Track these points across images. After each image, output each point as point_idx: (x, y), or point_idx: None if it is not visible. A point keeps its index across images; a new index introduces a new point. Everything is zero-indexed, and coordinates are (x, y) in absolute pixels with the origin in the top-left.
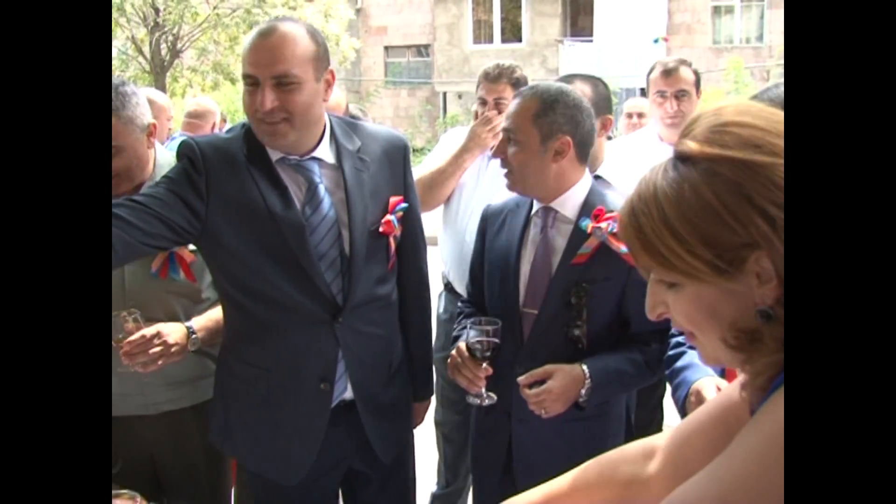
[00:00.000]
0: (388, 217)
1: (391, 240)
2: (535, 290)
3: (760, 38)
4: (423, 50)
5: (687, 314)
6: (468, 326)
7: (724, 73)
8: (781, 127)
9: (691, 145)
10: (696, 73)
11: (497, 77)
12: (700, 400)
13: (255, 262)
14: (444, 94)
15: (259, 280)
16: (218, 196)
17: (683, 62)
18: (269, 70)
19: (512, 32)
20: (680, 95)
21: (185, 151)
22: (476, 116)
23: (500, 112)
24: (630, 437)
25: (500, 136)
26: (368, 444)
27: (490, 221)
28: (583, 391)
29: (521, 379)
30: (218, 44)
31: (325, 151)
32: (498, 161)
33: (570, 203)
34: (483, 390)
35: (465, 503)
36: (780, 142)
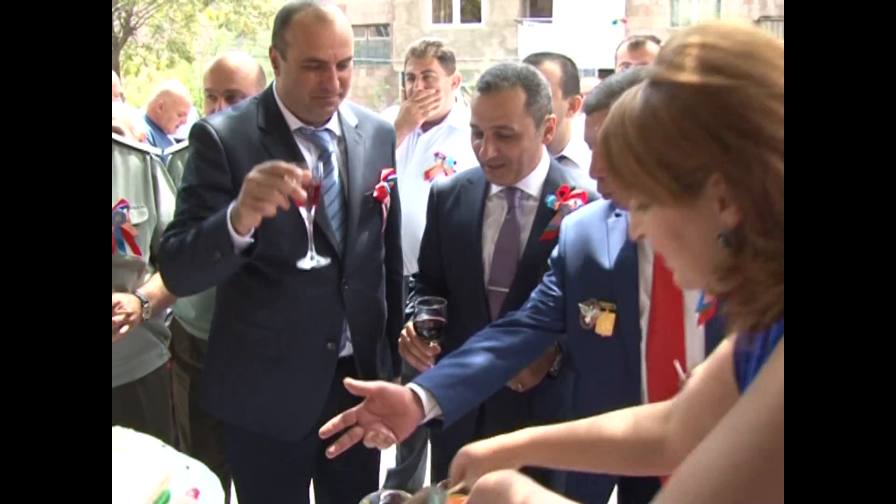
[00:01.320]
0: (382, 184)
1: (383, 206)
2: (503, 268)
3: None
4: (382, 29)
5: (656, 236)
6: (415, 306)
7: None
8: (754, 48)
9: (654, 68)
10: None
11: (423, 51)
12: None
13: (272, 227)
14: (403, 73)
15: (275, 245)
16: (236, 167)
17: (652, 38)
18: (340, 51)
19: (471, 12)
20: None
21: (198, 135)
22: (406, 96)
23: (427, 86)
24: None
25: (429, 112)
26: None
27: (442, 199)
28: (555, 363)
29: None
30: (174, 21)
31: (334, 124)
32: (427, 137)
33: (534, 181)
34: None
35: (422, 479)
36: (747, 63)
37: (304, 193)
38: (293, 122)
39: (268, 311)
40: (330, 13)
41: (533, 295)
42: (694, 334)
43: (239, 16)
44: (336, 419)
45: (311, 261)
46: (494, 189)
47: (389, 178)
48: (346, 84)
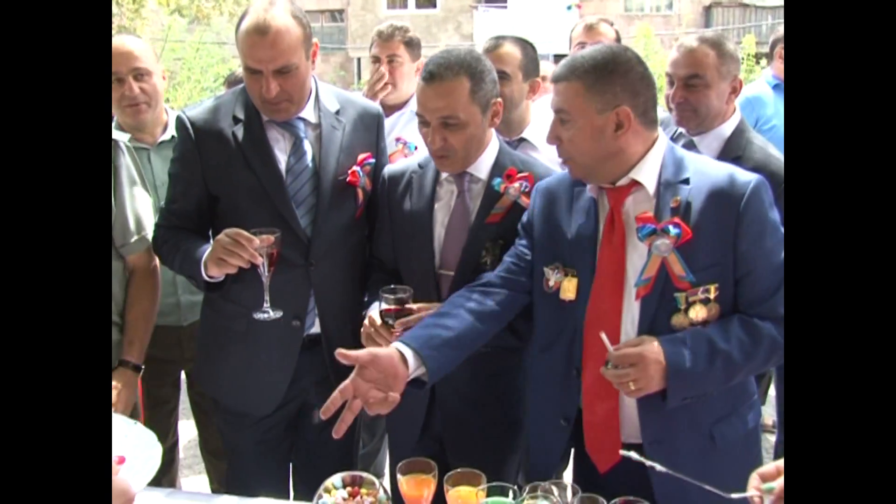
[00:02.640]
0: (354, 168)
1: (359, 190)
2: (452, 251)
3: (670, 6)
4: (336, 15)
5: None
6: (380, 295)
7: (634, 40)
8: None
9: None
10: (618, 33)
11: (390, 35)
12: None
13: (240, 208)
14: (359, 59)
15: (244, 225)
16: (207, 158)
17: (605, 20)
18: (272, 64)
19: None
20: None
21: (176, 126)
22: (374, 77)
23: (392, 70)
24: None
25: (378, 96)
26: (327, 379)
27: (392, 184)
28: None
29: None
30: (120, 5)
31: (309, 112)
32: (389, 122)
33: (482, 165)
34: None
35: (383, 464)
36: None
37: (260, 259)
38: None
39: (239, 287)
40: (269, 22)
41: (506, 257)
42: (631, 308)
43: (192, 1)
44: (333, 395)
45: (263, 314)
46: (444, 174)
47: (366, 162)
48: (291, 90)
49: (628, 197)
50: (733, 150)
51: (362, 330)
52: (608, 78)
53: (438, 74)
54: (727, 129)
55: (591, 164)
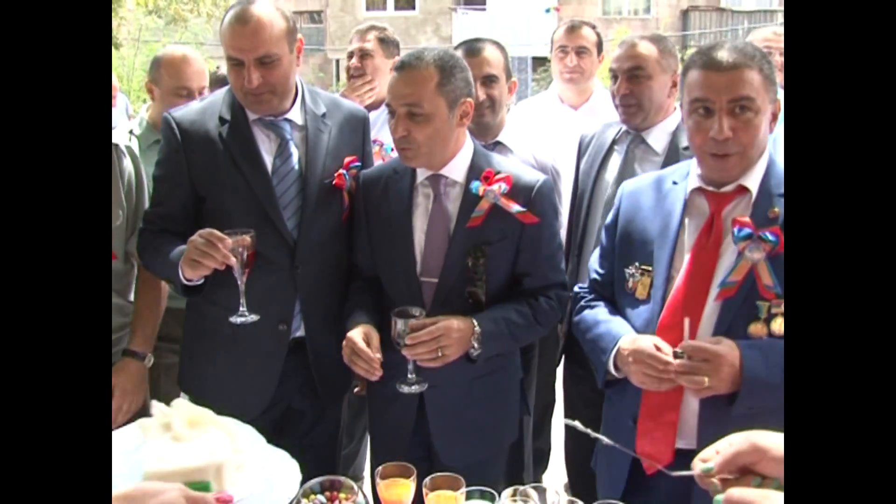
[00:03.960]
0: (340, 171)
1: (345, 194)
2: (433, 258)
3: (648, 10)
4: (315, 16)
5: None
6: (392, 318)
7: (612, 42)
8: None
9: None
10: (599, 36)
11: (365, 31)
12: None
13: (226, 209)
14: (337, 61)
15: (230, 227)
16: (193, 159)
17: (587, 23)
18: (253, 53)
19: (405, 0)
20: (580, 52)
21: (162, 127)
22: (348, 73)
23: (360, 66)
24: (524, 401)
25: (365, 101)
26: (311, 383)
27: (369, 189)
28: (474, 341)
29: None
30: None
31: (295, 114)
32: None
33: (457, 168)
34: (413, 375)
35: (363, 466)
36: None
37: (233, 260)
38: (252, 113)
39: (225, 291)
40: (251, 11)
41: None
42: (710, 310)
43: (169, 2)
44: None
45: (239, 317)
46: (420, 177)
47: (352, 165)
48: (273, 81)
49: (731, 202)
50: (682, 141)
51: (344, 346)
52: (771, 69)
53: (409, 63)
54: (671, 123)
55: (754, 156)
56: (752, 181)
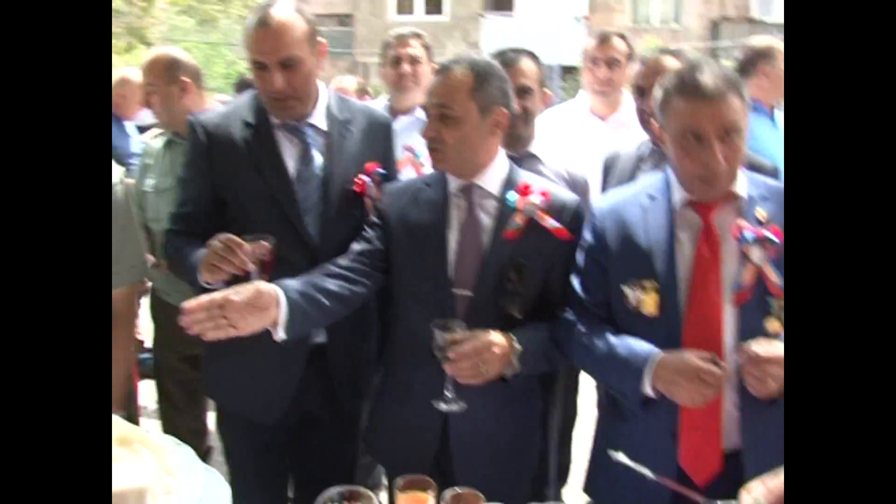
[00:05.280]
0: (362, 177)
1: (366, 199)
2: (466, 271)
3: (677, 19)
4: (344, 19)
5: None
6: (433, 329)
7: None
8: None
9: None
10: (630, 48)
11: (411, 37)
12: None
13: (248, 213)
14: (366, 64)
15: (252, 231)
16: (219, 162)
17: (619, 34)
18: (275, 56)
19: (434, 5)
20: (611, 63)
21: (190, 130)
22: (395, 80)
23: (415, 72)
24: (545, 427)
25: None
26: (331, 389)
27: (395, 199)
28: (514, 359)
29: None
30: (132, 4)
31: (319, 119)
32: (396, 128)
33: (492, 179)
34: (451, 392)
35: (380, 477)
36: None
37: (251, 266)
38: (276, 118)
39: None
40: (273, 15)
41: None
42: (729, 315)
43: (200, 3)
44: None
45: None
46: (453, 188)
47: (374, 172)
48: (297, 85)
49: (720, 209)
50: None
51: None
52: (745, 90)
53: (447, 66)
54: None
55: (737, 170)
56: (740, 187)
